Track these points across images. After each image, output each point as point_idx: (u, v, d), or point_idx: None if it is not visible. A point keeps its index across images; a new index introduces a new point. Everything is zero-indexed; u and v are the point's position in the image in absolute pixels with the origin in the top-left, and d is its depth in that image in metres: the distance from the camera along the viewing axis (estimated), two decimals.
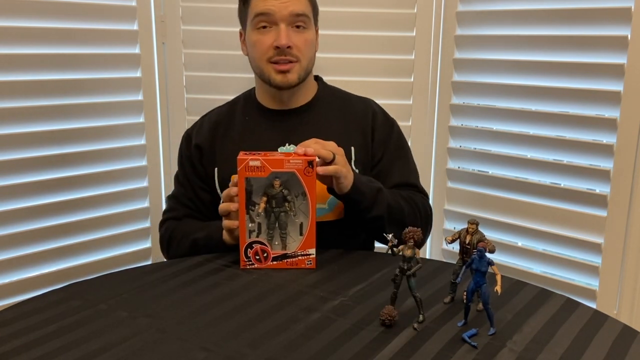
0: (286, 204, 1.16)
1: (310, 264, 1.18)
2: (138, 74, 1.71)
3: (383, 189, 1.28)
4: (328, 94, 1.43)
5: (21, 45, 1.49)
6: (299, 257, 1.18)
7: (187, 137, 1.43)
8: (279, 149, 1.34)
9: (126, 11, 1.66)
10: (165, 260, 1.40)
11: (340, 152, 1.20)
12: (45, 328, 0.93)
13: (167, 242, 1.38)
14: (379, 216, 1.25)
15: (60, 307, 1.00)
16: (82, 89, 1.60)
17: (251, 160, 1.13)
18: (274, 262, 1.17)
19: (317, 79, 1.45)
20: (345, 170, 1.19)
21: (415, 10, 1.72)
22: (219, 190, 1.36)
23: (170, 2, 1.70)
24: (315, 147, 1.16)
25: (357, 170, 1.32)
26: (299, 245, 1.17)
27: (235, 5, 1.71)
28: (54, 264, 1.60)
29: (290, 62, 1.30)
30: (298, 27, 1.31)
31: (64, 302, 1.02)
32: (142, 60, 1.70)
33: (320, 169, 1.15)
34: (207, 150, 1.38)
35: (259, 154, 1.15)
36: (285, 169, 1.13)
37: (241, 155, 1.14)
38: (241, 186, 1.14)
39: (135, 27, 1.68)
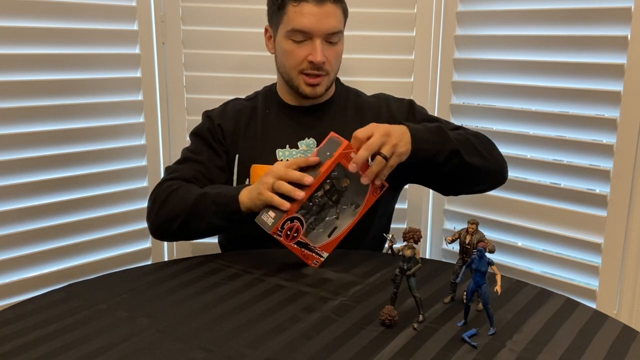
0: (337, 204, 1.17)
1: (316, 264, 1.18)
2: (138, 74, 1.71)
3: (442, 125, 1.26)
4: (344, 93, 1.46)
5: (21, 45, 1.49)
6: (313, 254, 1.18)
7: (208, 116, 1.42)
8: (299, 143, 1.36)
9: (126, 11, 1.66)
10: (149, 225, 1.33)
11: (383, 133, 1.14)
12: (45, 328, 0.93)
13: (165, 198, 1.28)
14: (454, 151, 1.22)
15: (60, 307, 1.00)
16: (82, 89, 1.60)
17: (353, 153, 1.13)
18: (295, 246, 1.16)
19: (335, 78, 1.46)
20: (400, 146, 1.14)
21: (415, 10, 1.72)
22: (235, 175, 1.37)
23: (170, 2, 1.70)
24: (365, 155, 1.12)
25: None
26: (322, 244, 1.18)
27: (235, 5, 1.72)
28: (54, 264, 1.60)
29: (320, 75, 1.32)
30: (331, 40, 1.32)
31: (64, 302, 1.02)
32: (142, 60, 1.70)
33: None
34: (229, 134, 1.38)
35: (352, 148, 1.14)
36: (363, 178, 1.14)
37: (345, 147, 1.12)
38: (331, 166, 1.12)
39: (135, 27, 1.68)
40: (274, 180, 1.13)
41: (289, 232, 1.14)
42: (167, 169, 1.40)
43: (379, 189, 1.18)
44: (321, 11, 1.27)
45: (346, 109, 1.42)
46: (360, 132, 1.14)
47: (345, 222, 1.18)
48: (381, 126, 1.15)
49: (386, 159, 1.13)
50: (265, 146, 1.36)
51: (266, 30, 1.40)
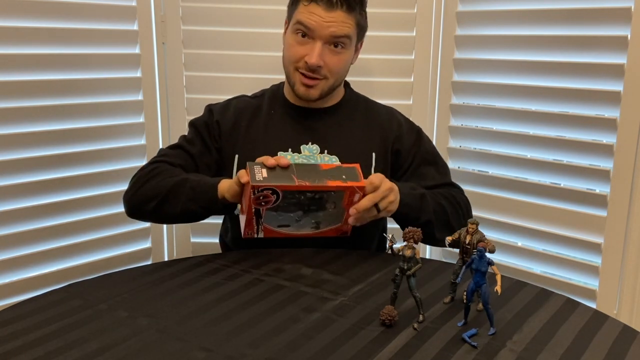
0: (309, 213, 1.18)
1: (246, 234, 1.19)
2: (138, 74, 1.71)
3: (425, 193, 1.29)
4: (354, 99, 1.45)
5: (21, 45, 1.49)
6: (255, 227, 1.18)
7: (209, 110, 1.42)
8: (301, 147, 1.36)
9: (126, 11, 1.66)
10: (129, 206, 1.32)
11: (393, 197, 1.21)
12: (45, 328, 0.93)
13: (146, 180, 1.29)
14: (428, 221, 1.26)
15: (60, 307, 1.00)
16: (82, 89, 1.60)
17: (358, 194, 1.17)
18: (253, 210, 1.15)
19: (345, 84, 1.46)
20: (393, 204, 1.21)
21: (415, 10, 1.72)
22: (234, 176, 1.35)
23: (170, 2, 1.70)
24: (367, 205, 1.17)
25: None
26: (269, 228, 1.19)
27: (235, 5, 1.72)
28: (54, 264, 1.60)
29: (316, 78, 1.31)
30: (336, 46, 1.31)
31: (64, 302, 1.02)
32: (142, 60, 1.70)
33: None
34: (227, 132, 1.38)
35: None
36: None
37: (359, 186, 1.16)
38: (339, 187, 1.15)
39: (135, 27, 1.68)
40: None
41: (261, 197, 1.14)
42: (159, 151, 1.41)
43: (341, 231, 1.23)
44: (328, 15, 1.27)
45: (354, 115, 1.41)
46: (377, 181, 1.18)
47: (300, 230, 1.21)
48: (387, 182, 1.20)
49: (378, 211, 1.19)
50: (267, 148, 1.34)
51: (286, 22, 1.39)
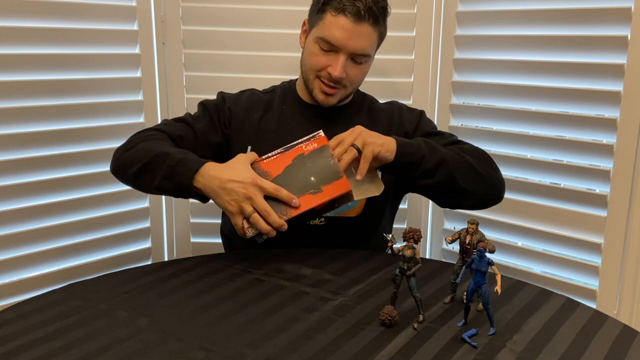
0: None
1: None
2: (138, 74, 1.71)
3: (430, 141, 1.26)
4: (361, 99, 1.47)
5: (21, 45, 1.49)
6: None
7: (222, 97, 1.42)
8: None
9: (126, 11, 1.66)
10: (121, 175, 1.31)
11: (357, 133, 1.20)
12: (45, 328, 0.93)
13: (137, 143, 1.27)
14: (440, 163, 1.23)
15: (60, 307, 1.00)
16: (82, 89, 1.60)
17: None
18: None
19: None
20: (373, 145, 1.18)
21: (415, 10, 1.72)
22: None
23: (170, 2, 1.70)
24: (340, 151, 1.18)
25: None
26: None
27: (235, 5, 1.71)
28: (54, 264, 1.60)
29: (337, 87, 1.32)
30: (359, 59, 1.31)
31: (64, 302, 1.02)
32: (142, 60, 1.70)
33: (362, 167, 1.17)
34: (238, 121, 1.38)
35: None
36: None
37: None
38: (323, 201, 1.15)
39: (135, 27, 1.68)
40: (255, 197, 1.12)
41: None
42: (162, 120, 1.41)
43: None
44: (356, 29, 1.26)
45: (360, 115, 1.43)
46: (341, 134, 1.20)
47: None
48: (357, 127, 1.21)
49: (359, 151, 1.17)
50: (279, 142, 1.34)
51: (304, 23, 1.39)
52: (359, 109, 1.44)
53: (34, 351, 0.86)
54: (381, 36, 1.35)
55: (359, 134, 1.19)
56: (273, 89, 1.47)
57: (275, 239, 1.15)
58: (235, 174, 1.14)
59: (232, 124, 1.38)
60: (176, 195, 1.23)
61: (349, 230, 1.36)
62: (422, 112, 1.46)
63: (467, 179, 1.25)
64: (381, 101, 1.51)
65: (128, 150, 1.27)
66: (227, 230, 1.46)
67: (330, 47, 1.28)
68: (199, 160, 1.20)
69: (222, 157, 1.36)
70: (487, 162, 1.32)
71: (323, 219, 1.33)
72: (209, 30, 1.73)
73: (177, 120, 1.39)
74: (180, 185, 1.18)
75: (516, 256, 1.65)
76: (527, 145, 1.60)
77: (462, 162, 1.26)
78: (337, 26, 1.26)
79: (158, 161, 1.20)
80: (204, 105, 1.41)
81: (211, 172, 1.16)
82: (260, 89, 1.48)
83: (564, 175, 1.55)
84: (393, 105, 1.47)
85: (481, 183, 1.28)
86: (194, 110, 1.44)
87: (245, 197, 1.12)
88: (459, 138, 1.40)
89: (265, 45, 1.72)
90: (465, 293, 0.93)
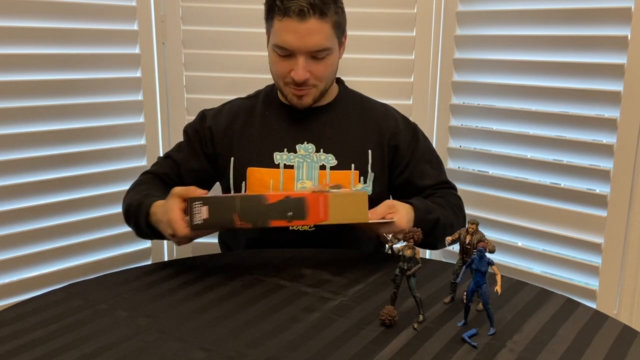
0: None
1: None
2: (138, 74, 1.71)
3: (440, 218, 1.28)
4: (348, 97, 1.44)
5: (21, 45, 1.49)
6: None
7: (202, 115, 1.42)
8: (297, 147, 1.34)
9: (126, 11, 1.66)
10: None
11: (406, 220, 1.20)
12: (45, 328, 0.93)
13: (129, 189, 1.36)
14: (435, 241, 1.30)
15: (60, 307, 1.00)
16: (82, 89, 1.60)
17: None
18: None
19: (339, 81, 1.45)
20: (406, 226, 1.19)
21: (415, 10, 1.72)
22: (231, 179, 1.36)
23: (170, 2, 1.71)
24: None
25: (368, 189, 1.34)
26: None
27: (235, 6, 1.72)
28: (54, 264, 1.60)
29: (306, 89, 1.31)
30: (319, 56, 1.28)
31: (64, 302, 1.02)
32: (142, 60, 1.70)
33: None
34: (220, 137, 1.38)
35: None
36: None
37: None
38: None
39: (135, 27, 1.68)
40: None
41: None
42: (157, 159, 1.46)
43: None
44: (303, 28, 1.23)
45: (349, 112, 1.40)
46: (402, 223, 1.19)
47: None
48: (407, 216, 1.21)
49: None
50: (263, 149, 1.34)
51: (266, 33, 1.38)
52: (348, 108, 1.41)
53: (34, 351, 0.86)
54: (336, 24, 1.29)
55: (409, 223, 1.20)
56: (257, 93, 1.46)
57: (267, 244, 1.22)
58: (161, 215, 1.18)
59: (215, 140, 1.38)
60: (154, 236, 1.26)
61: (339, 235, 1.32)
62: (415, 127, 1.43)
63: (444, 236, 1.26)
64: (378, 101, 1.49)
65: (124, 200, 1.33)
66: (226, 235, 1.48)
67: (286, 52, 1.27)
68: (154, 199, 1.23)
69: (213, 176, 1.41)
70: (462, 217, 1.38)
71: (313, 225, 1.32)
72: (209, 30, 1.73)
73: (165, 156, 1.43)
74: (145, 222, 1.23)
75: (516, 256, 1.65)
76: (527, 145, 1.60)
77: (448, 227, 1.30)
78: (286, 30, 1.24)
79: (130, 209, 1.27)
80: (185, 132, 1.43)
81: (162, 202, 1.20)
82: (244, 95, 1.46)
83: (564, 175, 1.55)
84: (388, 109, 1.44)
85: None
86: (194, 109, 1.44)
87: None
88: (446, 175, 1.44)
89: (265, 45, 1.72)
90: (465, 293, 0.93)
